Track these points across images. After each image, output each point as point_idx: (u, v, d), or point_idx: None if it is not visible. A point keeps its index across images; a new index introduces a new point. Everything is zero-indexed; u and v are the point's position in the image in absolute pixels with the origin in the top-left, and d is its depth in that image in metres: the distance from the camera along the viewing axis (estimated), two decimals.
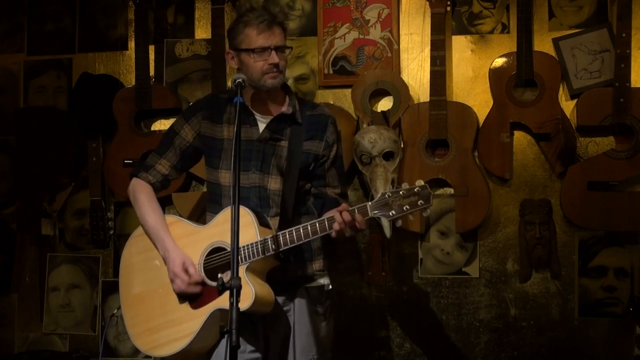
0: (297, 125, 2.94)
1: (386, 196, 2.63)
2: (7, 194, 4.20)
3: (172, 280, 2.82)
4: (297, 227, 2.73)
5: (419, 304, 3.79)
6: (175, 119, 3.07)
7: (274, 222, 2.85)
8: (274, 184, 2.90)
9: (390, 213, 2.62)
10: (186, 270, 2.79)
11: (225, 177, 2.93)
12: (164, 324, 2.85)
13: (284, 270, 2.85)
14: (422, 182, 2.62)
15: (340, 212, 2.65)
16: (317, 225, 2.70)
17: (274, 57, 2.83)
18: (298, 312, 2.90)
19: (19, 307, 4.16)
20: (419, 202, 2.61)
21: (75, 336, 4.08)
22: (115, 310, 3.05)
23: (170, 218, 2.98)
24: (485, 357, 3.72)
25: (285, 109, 2.94)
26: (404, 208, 2.61)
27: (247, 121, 2.90)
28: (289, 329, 2.89)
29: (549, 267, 3.67)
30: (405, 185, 2.64)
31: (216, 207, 2.91)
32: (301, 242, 2.73)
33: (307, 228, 2.71)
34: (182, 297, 2.84)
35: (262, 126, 2.92)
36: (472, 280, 3.75)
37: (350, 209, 2.67)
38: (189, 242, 2.88)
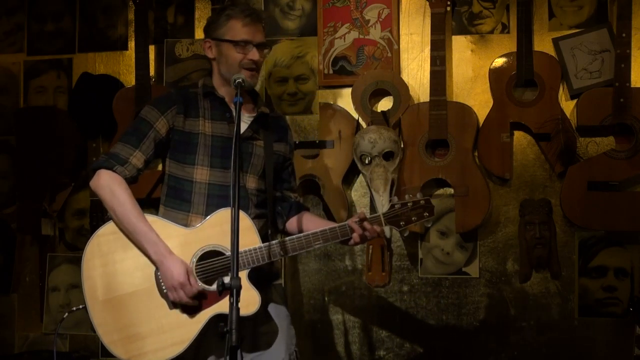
0: (267, 126, 2.93)
1: (395, 208, 2.81)
2: (7, 194, 4.20)
3: (173, 289, 2.69)
4: (306, 233, 2.74)
5: (419, 304, 3.79)
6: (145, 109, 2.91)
7: (256, 223, 2.79)
8: (252, 182, 2.86)
9: (401, 223, 2.82)
10: (190, 281, 2.68)
11: (201, 173, 2.83)
12: (150, 330, 2.71)
13: (258, 268, 2.78)
14: (421, 194, 2.83)
15: (361, 222, 2.77)
16: (329, 233, 2.76)
17: (255, 53, 2.81)
18: (274, 309, 2.86)
19: (19, 307, 4.16)
20: (424, 214, 2.83)
21: (75, 336, 4.08)
22: (80, 307, 2.91)
23: (150, 217, 2.78)
24: (485, 357, 3.71)
25: (263, 108, 2.92)
26: (412, 219, 2.82)
27: (224, 117, 2.85)
28: (273, 325, 2.84)
29: (549, 267, 3.67)
30: (409, 198, 2.83)
31: (183, 205, 2.82)
32: (311, 248, 2.77)
33: (318, 235, 2.74)
34: (174, 303, 2.72)
35: (242, 124, 2.84)
36: (472, 280, 3.75)
37: (368, 217, 2.79)
38: (174, 244, 2.74)
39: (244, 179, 2.85)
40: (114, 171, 2.76)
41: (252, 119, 2.90)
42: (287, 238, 2.73)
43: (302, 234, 2.75)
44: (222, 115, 2.86)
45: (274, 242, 2.71)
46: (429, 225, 3.00)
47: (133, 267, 2.76)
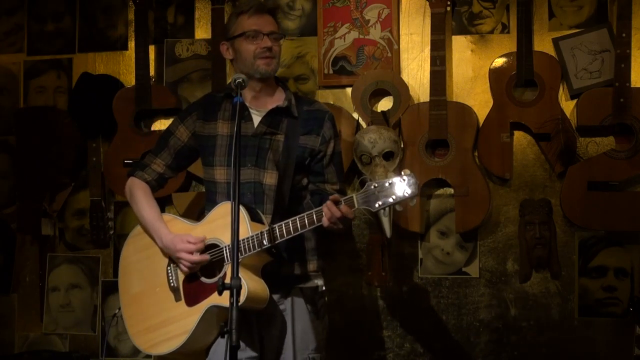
0: (293, 119, 2.95)
1: (372, 187, 2.62)
2: (7, 194, 4.20)
3: (178, 260, 2.83)
4: (287, 220, 2.73)
5: (419, 304, 3.79)
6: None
7: (267, 218, 2.85)
8: (270, 178, 2.90)
9: (377, 204, 2.62)
10: (188, 241, 2.81)
11: (220, 174, 2.94)
12: (160, 322, 2.88)
13: (278, 268, 2.85)
14: (408, 172, 2.61)
15: (328, 206, 2.67)
16: (306, 218, 2.71)
17: (267, 41, 2.88)
18: (293, 310, 2.90)
19: (19, 307, 4.16)
20: (405, 193, 2.58)
21: (75, 336, 4.08)
22: (117, 310, 3.09)
23: (167, 216, 3.02)
24: (485, 357, 3.71)
25: (280, 102, 2.95)
26: (391, 198, 2.60)
27: (242, 117, 2.88)
28: (284, 328, 2.89)
29: (549, 267, 3.67)
30: (391, 176, 2.63)
31: (212, 206, 2.92)
32: (292, 235, 2.73)
33: (297, 221, 2.72)
34: (178, 294, 2.86)
35: (257, 120, 2.93)
36: (472, 280, 3.75)
37: (338, 199, 2.68)
38: None
39: (260, 175, 2.90)
40: (135, 176, 3.07)
41: (264, 113, 2.93)
42: (276, 225, 2.74)
43: (289, 219, 2.73)
44: (241, 114, 2.90)
45: (264, 230, 2.73)
46: (413, 204, 2.65)
47: (151, 263, 2.96)
